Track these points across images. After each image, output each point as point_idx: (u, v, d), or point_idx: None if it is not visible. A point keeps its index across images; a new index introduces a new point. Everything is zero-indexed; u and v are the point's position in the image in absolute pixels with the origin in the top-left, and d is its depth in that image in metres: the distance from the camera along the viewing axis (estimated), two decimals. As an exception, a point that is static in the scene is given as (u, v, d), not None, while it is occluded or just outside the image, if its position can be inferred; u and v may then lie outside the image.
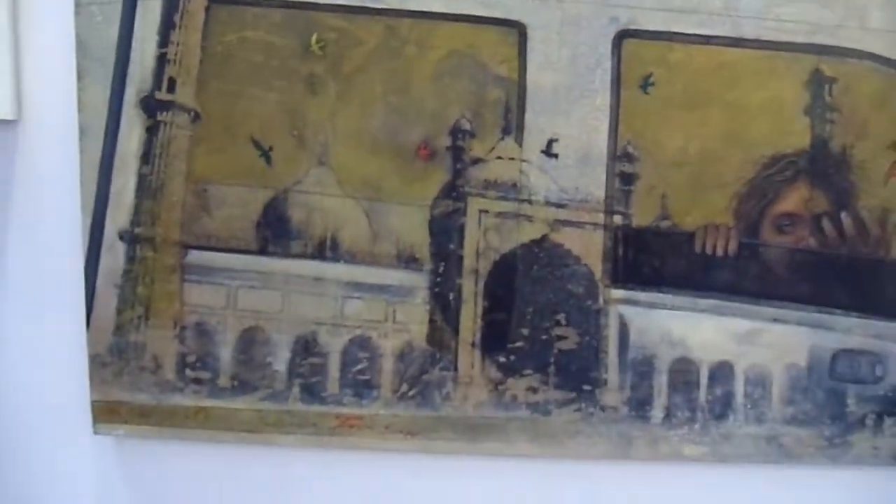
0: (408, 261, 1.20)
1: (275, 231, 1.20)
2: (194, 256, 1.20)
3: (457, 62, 1.17)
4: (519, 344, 1.21)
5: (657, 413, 1.21)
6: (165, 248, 1.19)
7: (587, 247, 1.19)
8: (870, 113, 1.17)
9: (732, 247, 1.19)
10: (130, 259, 1.20)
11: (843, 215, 1.19)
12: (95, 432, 1.23)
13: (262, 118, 1.18)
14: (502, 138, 1.19)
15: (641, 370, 1.21)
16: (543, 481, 1.25)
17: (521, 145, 1.19)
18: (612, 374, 1.21)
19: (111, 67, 1.17)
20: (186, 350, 1.21)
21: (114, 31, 1.16)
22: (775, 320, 1.20)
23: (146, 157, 1.18)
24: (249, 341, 1.21)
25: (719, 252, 1.19)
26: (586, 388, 1.21)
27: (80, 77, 1.17)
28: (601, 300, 1.20)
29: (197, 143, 1.19)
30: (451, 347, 1.21)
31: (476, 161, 1.19)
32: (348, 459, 1.24)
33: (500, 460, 1.23)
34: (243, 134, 1.18)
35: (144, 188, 1.19)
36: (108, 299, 1.20)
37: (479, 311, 1.20)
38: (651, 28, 1.16)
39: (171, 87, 1.18)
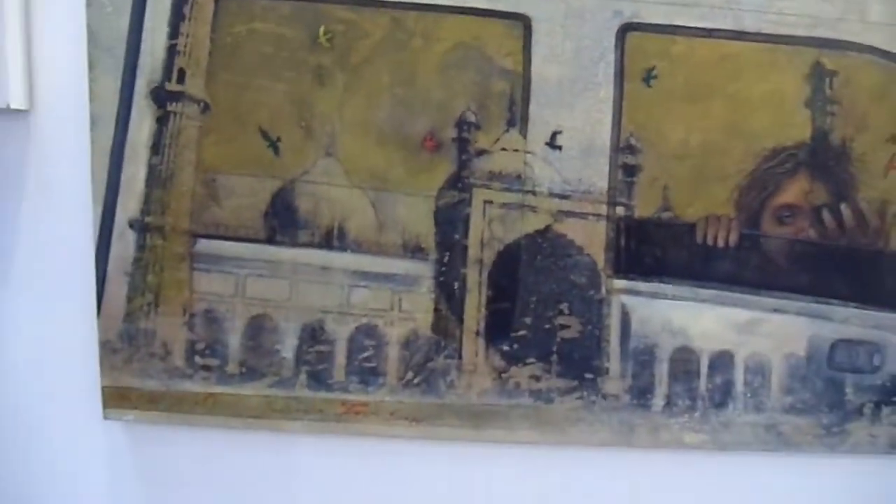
0: (413, 250, 1.21)
1: (282, 220, 1.21)
2: (203, 245, 1.21)
3: (462, 54, 1.18)
4: (522, 333, 1.22)
5: (658, 401, 1.22)
6: (175, 236, 1.20)
7: (590, 237, 1.20)
8: (869, 106, 1.18)
9: (733, 238, 1.20)
10: (140, 247, 1.21)
11: (843, 207, 1.19)
12: (105, 417, 1.24)
13: (270, 109, 1.19)
14: (507, 130, 1.20)
15: (643, 359, 1.22)
16: (546, 468, 1.26)
17: (525, 137, 1.19)
18: (613, 363, 1.22)
19: (122, 58, 1.18)
20: (195, 337, 1.22)
21: (124, 23, 1.17)
22: (775, 310, 1.21)
23: (156, 146, 1.19)
24: (257, 329, 1.22)
25: (720, 243, 1.20)
26: (588, 376, 1.22)
27: (91, 68, 1.18)
28: (603, 290, 1.21)
29: (206, 134, 1.20)
30: (455, 336, 1.22)
31: (481, 152, 1.20)
32: (354, 445, 1.25)
33: (503, 447, 1.24)
34: (252, 124, 1.19)
35: (154, 177, 1.20)
36: (118, 287, 1.21)
37: (484, 300, 1.21)
38: (654, 21, 1.17)
39: (181, 78, 1.18)
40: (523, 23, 1.18)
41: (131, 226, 1.21)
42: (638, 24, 1.17)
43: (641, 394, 1.22)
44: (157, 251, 1.21)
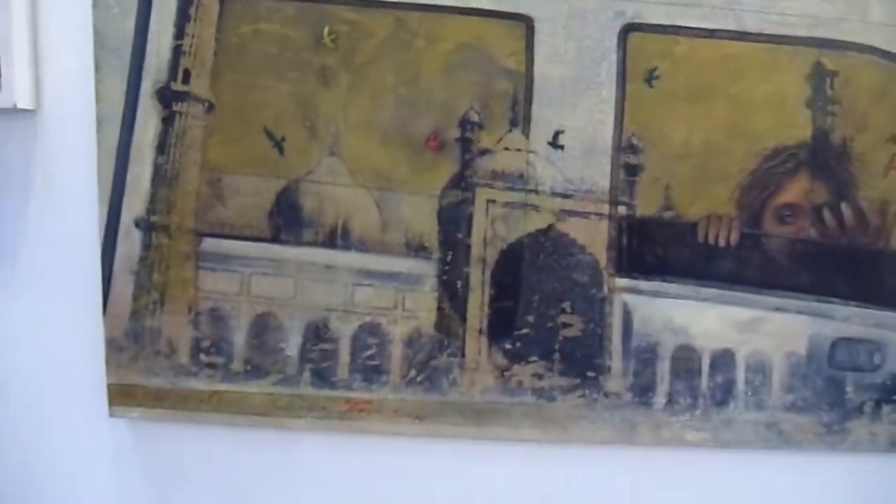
0: (417, 249, 1.22)
1: (287, 220, 1.21)
2: (208, 244, 1.22)
3: (465, 55, 1.19)
4: (525, 331, 1.22)
5: (660, 399, 1.23)
6: (180, 235, 1.21)
7: (592, 236, 1.21)
8: (870, 106, 1.18)
9: (734, 237, 1.20)
10: (146, 246, 1.22)
11: (844, 206, 1.20)
12: (111, 415, 1.25)
13: (275, 109, 1.20)
14: (510, 130, 1.20)
15: (644, 357, 1.22)
16: (548, 465, 1.26)
17: (528, 137, 1.20)
18: (615, 361, 1.22)
19: (128, 59, 1.19)
20: (201, 335, 1.23)
21: (130, 24, 1.18)
22: (776, 309, 1.21)
23: (162, 146, 1.20)
24: (262, 327, 1.23)
25: (721, 242, 1.20)
26: (590, 374, 1.22)
27: (97, 68, 1.19)
28: (605, 289, 1.21)
29: (211, 134, 1.20)
30: (458, 334, 1.22)
31: (484, 152, 1.21)
32: (357, 443, 1.26)
33: (506, 445, 1.25)
34: (256, 124, 1.20)
35: (160, 177, 1.21)
36: (124, 285, 1.22)
37: (486, 298, 1.22)
38: (656, 22, 1.18)
39: (187, 79, 1.19)
40: (526, 23, 1.18)
41: (137, 225, 1.21)
42: (640, 24, 1.18)
43: (643, 392, 1.23)
44: (162, 250, 1.22)
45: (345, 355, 1.23)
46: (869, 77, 1.18)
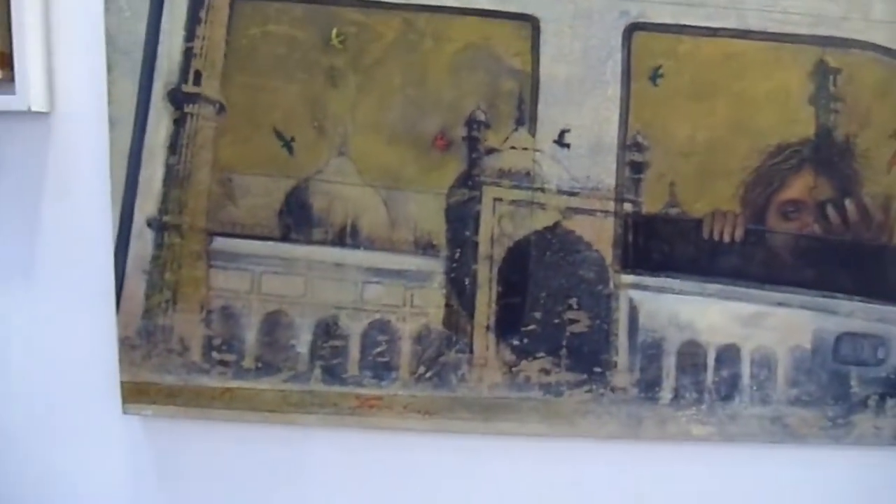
0: (425, 247, 1.23)
1: (297, 219, 1.23)
2: (220, 243, 1.23)
3: (472, 55, 1.20)
4: (532, 327, 1.23)
5: (665, 394, 1.23)
6: (192, 235, 1.23)
7: (598, 233, 1.22)
8: (872, 102, 1.19)
9: (739, 233, 1.21)
10: (158, 246, 1.23)
11: (847, 202, 1.20)
12: (124, 412, 1.26)
13: (284, 110, 1.21)
14: (516, 129, 1.21)
15: (650, 353, 1.23)
16: (555, 460, 1.27)
17: (534, 135, 1.21)
18: (622, 357, 1.23)
19: (139, 61, 1.20)
20: (212, 333, 1.24)
21: (142, 26, 1.20)
22: (780, 304, 1.22)
23: (173, 147, 1.22)
24: (273, 324, 1.24)
25: (726, 238, 1.21)
26: (597, 370, 1.23)
27: (109, 70, 1.20)
28: (612, 285, 1.22)
29: (222, 134, 1.22)
30: (466, 331, 1.24)
31: (491, 151, 1.21)
32: (368, 438, 1.27)
33: (514, 439, 1.25)
34: (266, 125, 1.21)
35: (172, 178, 1.22)
36: (137, 284, 1.23)
37: (494, 295, 1.23)
38: (660, 21, 1.18)
39: (197, 80, 1.21)
40: (532, 23, 1.19)
41: (149, 225, 1.23)
42: (644, 23, 1.19)
43: (649, 387, 1.23)
44: (174, 249, 1.23)
45: (355, 352, 1.24)
46: (871, 74, 1.18)
